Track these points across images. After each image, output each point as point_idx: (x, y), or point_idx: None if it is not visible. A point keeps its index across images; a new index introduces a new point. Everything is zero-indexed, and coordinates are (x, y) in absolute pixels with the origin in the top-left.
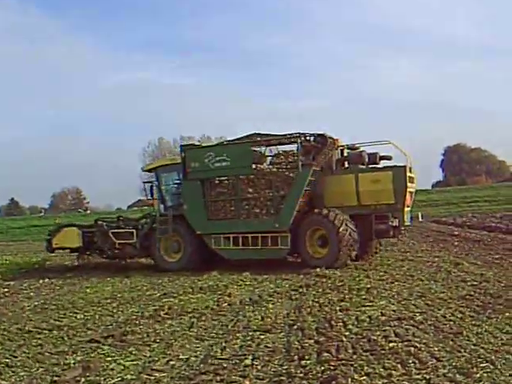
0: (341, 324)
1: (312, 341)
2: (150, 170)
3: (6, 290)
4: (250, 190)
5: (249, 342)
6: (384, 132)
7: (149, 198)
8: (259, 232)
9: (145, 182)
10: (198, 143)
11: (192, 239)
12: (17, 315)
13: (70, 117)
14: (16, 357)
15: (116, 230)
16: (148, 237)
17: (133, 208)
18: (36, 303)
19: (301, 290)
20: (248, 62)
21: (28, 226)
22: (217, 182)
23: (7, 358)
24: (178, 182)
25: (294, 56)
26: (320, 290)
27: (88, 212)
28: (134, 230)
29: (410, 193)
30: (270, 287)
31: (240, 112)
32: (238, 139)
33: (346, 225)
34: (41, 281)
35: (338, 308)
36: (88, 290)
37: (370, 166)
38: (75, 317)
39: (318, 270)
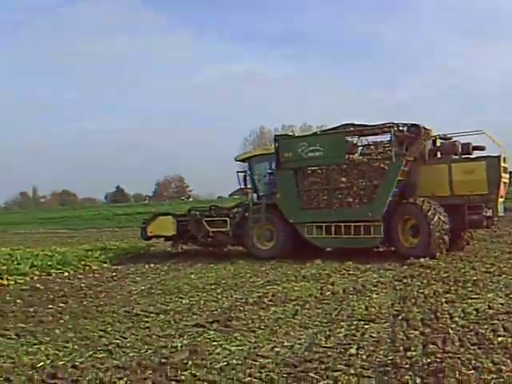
0: (447, 316)
1: (417, 332)
2: (243, 160)
3: (113, 274)
4: (343, 180)
5: (353, 332)
6: (488, 123)
7: (242, 187)
8: (352, 221)
9: (238, 172)
10: (291, 133)
11: (284, 228)
12: (125, 298)
13: (175, 107)
14: (125, 338)
15: (210, 219)
16: (240, 225)
17: (234, 196)
18: (143, 287)
19: (405, 281)
20: (347, 51)
21: (133, 213)
22: (309, 171)
23: (117, 339)
24: (270, 171)
25: (395, 45)
26: (425, 281)
27: (190, 200)
28: (227, 219)
29: (504, 183)
30: (374, 277)
31: (340, 102)
32: (331, 129)
33: (436, 211)
34: (146, 266)
35: (443, 300)
36: (192, 276)
37: (463, 156)
38: (181, 301)
39: (422, 260)
